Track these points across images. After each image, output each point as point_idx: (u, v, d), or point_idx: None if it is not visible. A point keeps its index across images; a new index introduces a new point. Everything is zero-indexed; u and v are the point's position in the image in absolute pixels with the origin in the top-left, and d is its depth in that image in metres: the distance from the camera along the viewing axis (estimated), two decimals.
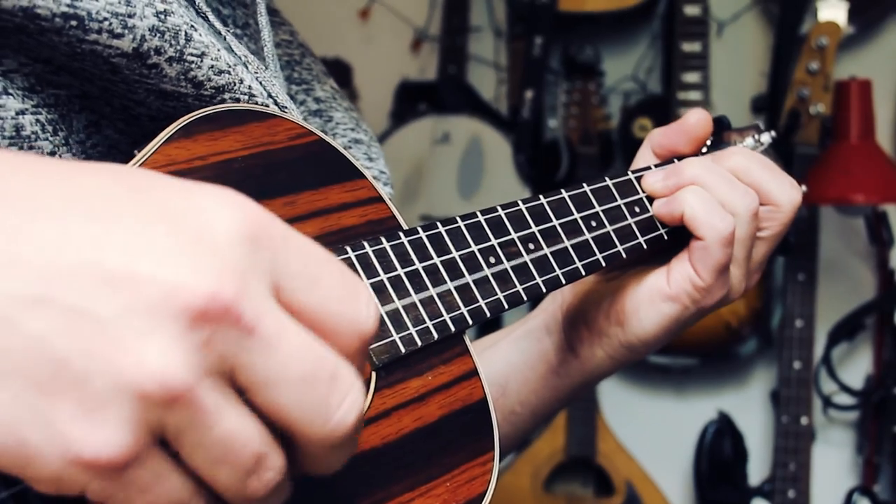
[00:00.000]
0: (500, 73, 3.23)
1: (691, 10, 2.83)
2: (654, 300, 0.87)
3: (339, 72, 3.10)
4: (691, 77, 2.83)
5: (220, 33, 0.75)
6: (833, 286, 2.85)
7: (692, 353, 2.89)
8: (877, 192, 2.55)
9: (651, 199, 0.89)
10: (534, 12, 2.91)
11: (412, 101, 3.17)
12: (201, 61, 0.67)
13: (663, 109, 2.90)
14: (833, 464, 2.88)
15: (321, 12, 3.22)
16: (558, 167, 2.93)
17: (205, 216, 0.45)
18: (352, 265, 0.67)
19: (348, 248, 0.68)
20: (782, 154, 0.98)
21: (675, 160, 0.91)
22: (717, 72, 2.91)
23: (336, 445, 0.48)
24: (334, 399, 0.47)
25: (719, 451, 2.82)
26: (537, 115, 2.96)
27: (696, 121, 0.91)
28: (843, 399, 2.80)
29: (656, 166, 0.90)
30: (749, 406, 2.99)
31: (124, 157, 0.63)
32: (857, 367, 2.86)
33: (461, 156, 3.05)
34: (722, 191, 0.85)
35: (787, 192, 0.89)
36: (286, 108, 0.78)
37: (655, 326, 0.88)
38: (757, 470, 2.88)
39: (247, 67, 0.75)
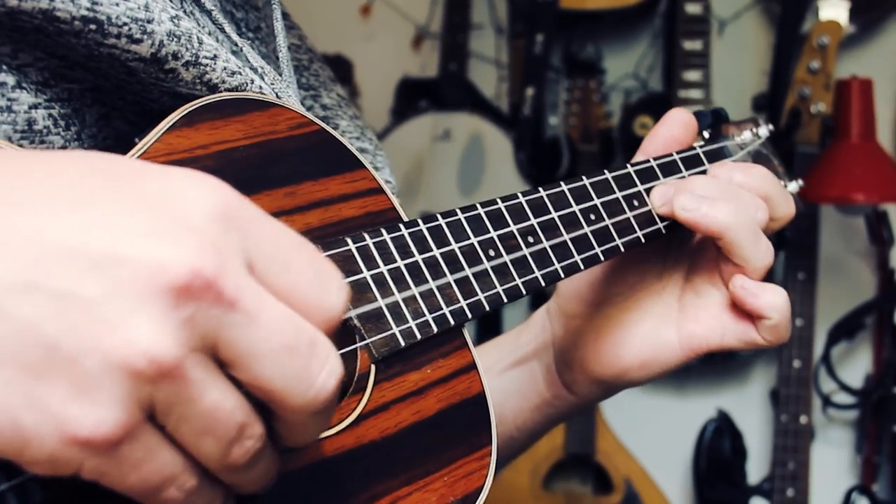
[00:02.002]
0: (501, 70, 3.23)
1: (692, 9, 2.83)
2: (660, 360, 0.88)
3: (340, 68, 3.10)
4: (692, 75, 2.83)
5: (236, 44, 0.75)
6: (833, 285, 2.85)
7: None
8: (877, 191, 2.55)
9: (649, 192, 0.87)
10: (535, 10, 2.91)
11: (413, 97, 3.17)
12: (215, 63, 0.67)
13: (664, 107, 2.87)
14: (832, 463, 2.88)
15: (322, 8, 3.21)
16: (559, 165, 2.93)
17: (180, 197, 0.47)
18: (352, 257, 0.67)
19: (349, 240, 0.68)
20: (780, 149, 0.98)
21: (675, 153, 0.91)
22: (718, 70, 2.90)
23: (317, 412, 0.50)
24: (315, 366, 0.49)
25: (718, 449, 2.82)
26: (538, 112, 2.95)
27: (681, 115, 0.92)
28: (843, 398, 2.80)
29: (655, 159, 0.89)
30: (748, 405, 2.99)
31: (129, 148, 0.63)
32: (857, 366, 2.86)
33: (462, 153, 3.04)
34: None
35: (786, 210, 0.87)
36: None
37: (657, 376, 0.89)
38: (756, 469, 2.88)
39: (263, 79, 0.75)
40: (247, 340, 0.47)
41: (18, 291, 0.43)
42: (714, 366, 3.00)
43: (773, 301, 0.83)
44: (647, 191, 0.87)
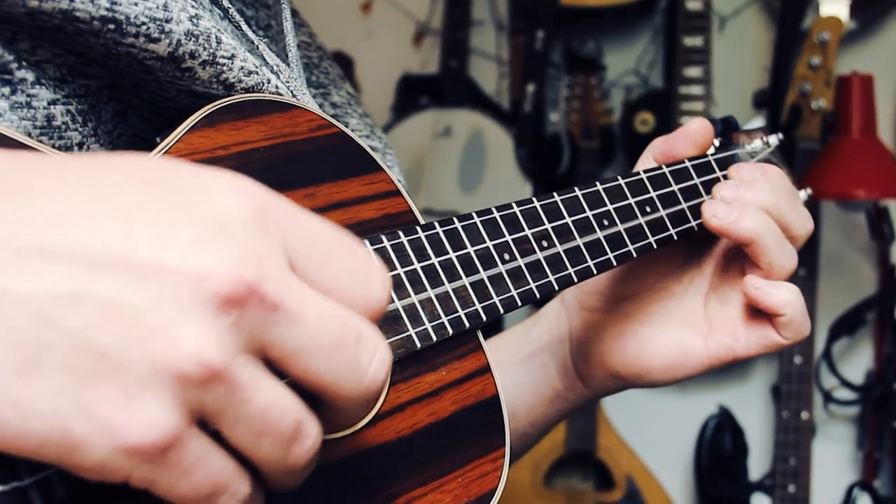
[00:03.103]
0: (501, 66, 3.23)
1: (693, 5, 2.83)
2: (686, 365, 0.89)
3: (341, 65, 3.09)
4: (693, 71, 2.83)
5: (252, 42, 0.75)
6: (834, 281, 2.85)
7: None
8: (878, 187, 2.55)
9: (666, 198, 0.88)
10: (536, 6, 2.91)
11: (414, 94, 3.17)
12: (232, 63, 0.68)
13: (665, 104, 2.90)
14: (833, 459, 2.88)
15: (323, 5, 3.21)
16: (560, 161, 2.93)
17: (218, 205, 0.47)
18: None
19: (366, 242, 0.68)
20: (782, 145, 0.99)
21: (686, 161, 0.91)
22: (718, 66, 2.91)
23: (369, 401, 0.51)
24: (364, 357, 0.49)
25: (720, 445, 2.82)
26: (539, 109, 2.96)
27: (698, 127, 0.92)
28: (844, 394, 2.80)
29: (668, 166, 0.90)
30: (750, 401, 3.00)
31: (147, 146, 0.63)
32: (858, 362, 2.86)
33: (462, 149, 3.04)
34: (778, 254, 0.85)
35: (804, 226, 0.88)
36: None
37: (678, 381, 0.90)
38: (757, 465, 2.89)
39: (279, 77, 0.75)
40: (294, 339, 0.47)
41: (67, 301, 0.43)
42: None
43: (786, 297, 0.84)
44: (659, 197, 0.88)
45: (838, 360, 2.79)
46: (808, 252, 2.65)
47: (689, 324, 0.89)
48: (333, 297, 0.50)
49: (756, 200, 0.85)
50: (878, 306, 2.80)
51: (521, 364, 0.99)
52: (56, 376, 0.43)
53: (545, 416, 0.98)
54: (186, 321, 0.44)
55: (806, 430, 2.63)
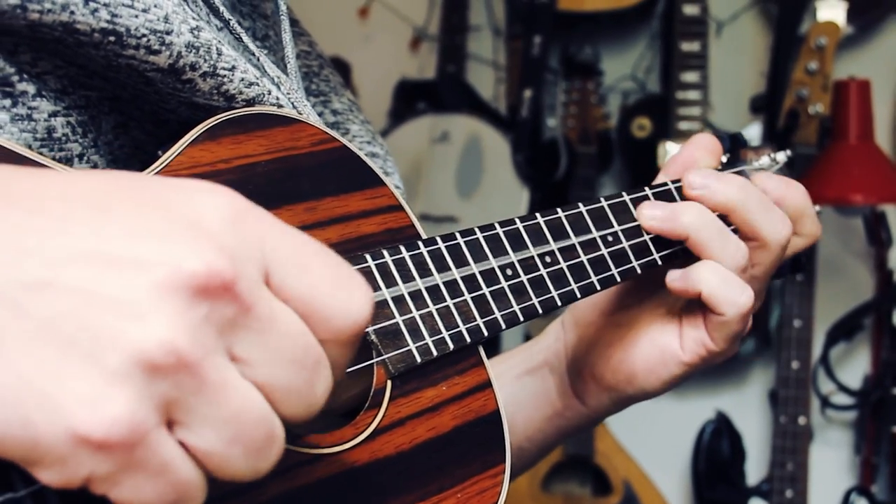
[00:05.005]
0: (498, 72, 3.23)
1: (690, 10, 2.83)
2: (667, 364, 0.89)
3: (338, 70, 3.09)
4: (690, 76, 2.83)
5: (253, 53, 0.75)
6: (831, 286, 2.86)
7: None
8: (875, 192, 2.56)
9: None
10: (533, 12, 2.91)
11: (411, 99, 3.17)
12: (233, 74, 0.68)
13: (662, 109, 2.90)
14: (831, 464, 2.88)
15: (320, 10, 3.21)
16: (557, 166, 2.93)
17: (196, 204, 0.47)
18: (370, 273, 0.67)
19: (368, 257, 0.68)
20: (794, 170, 0.98)
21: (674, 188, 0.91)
22: (715, 71, 2.91)
23: (309, 420, 0.50)
24: (319, 382, 0.49)
25: (717, 450, 2.82)
26: (536, 114, 2.96)
27: (708, 139, 0.92)
28: (841, 399, 2.80)
29: (673, 182, 0.89)
30: (747, 406, 3.00)
31: (149, 158, 0.63)
32: (856, 367, 2.87)
33: (460, 155, 3.04)
34: (716, 245, 0.84)
35: (777, 231, 0.87)
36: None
37: (665, 385, 0.90)
38: (755, 470, 2.89)
39: (279, 88, 0.75)
40: (258, 345, 0.46)
41: (36, 289, 0.43)
42: (712, 367, 2.99)
43: (698, 275, 0.83)
44: None
45: (836, 365, 2.79)
46: (806, 257, 2.65)
47: (667, 326, 0.89)
48: (311, 306, 0.49)
49: (722, 191, 0.85)
50: (875, 311, 2.80)
51: (521, 378, 0.99)
52: (19, 364, 0.42)
53: (543, 433, 0.98)
54: (157, 312, 0.43)
55: (803, 435, 2.64)
